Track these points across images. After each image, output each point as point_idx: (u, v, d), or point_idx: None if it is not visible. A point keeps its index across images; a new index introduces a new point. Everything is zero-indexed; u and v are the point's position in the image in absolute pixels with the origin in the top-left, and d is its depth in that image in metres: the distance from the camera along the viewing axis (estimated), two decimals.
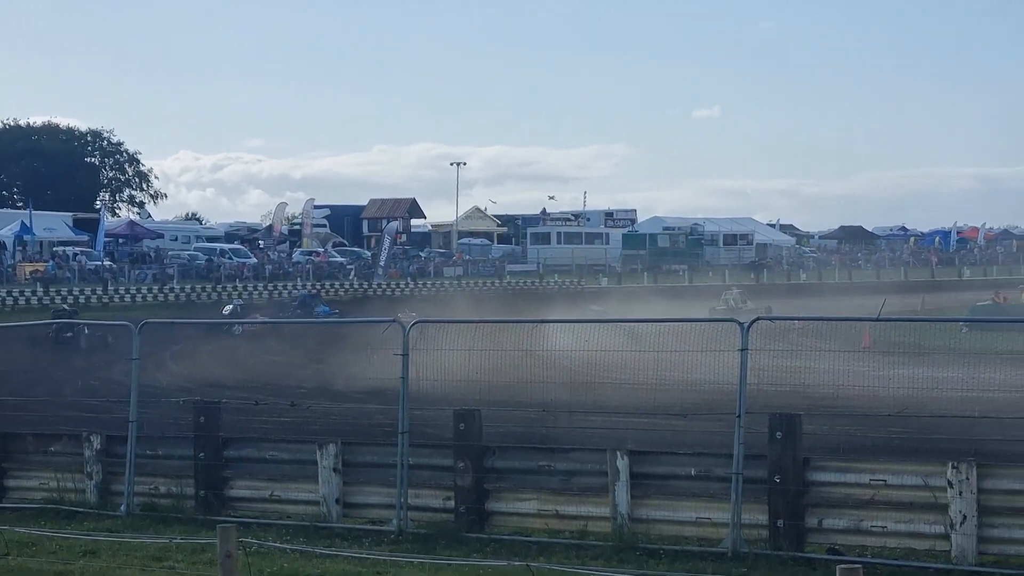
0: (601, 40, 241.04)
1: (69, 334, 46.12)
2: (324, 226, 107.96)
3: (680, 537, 16.86)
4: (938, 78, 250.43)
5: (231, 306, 60.54)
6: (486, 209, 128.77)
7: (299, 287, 72.77)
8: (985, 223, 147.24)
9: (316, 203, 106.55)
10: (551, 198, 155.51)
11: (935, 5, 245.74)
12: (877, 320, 18.31)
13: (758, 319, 17.36)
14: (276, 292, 74.21)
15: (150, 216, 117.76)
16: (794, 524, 16.10)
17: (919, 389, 23.34)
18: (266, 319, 51.05)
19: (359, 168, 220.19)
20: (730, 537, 16.25)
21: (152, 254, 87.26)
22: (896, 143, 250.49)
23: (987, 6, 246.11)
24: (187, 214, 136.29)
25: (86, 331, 46.41)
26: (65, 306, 57.94)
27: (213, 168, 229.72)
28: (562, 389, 21.17)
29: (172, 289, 70.93)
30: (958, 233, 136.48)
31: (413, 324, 18.95)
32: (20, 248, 79.83)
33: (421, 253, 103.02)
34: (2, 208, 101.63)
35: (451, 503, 18.06)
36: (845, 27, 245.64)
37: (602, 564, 16.08)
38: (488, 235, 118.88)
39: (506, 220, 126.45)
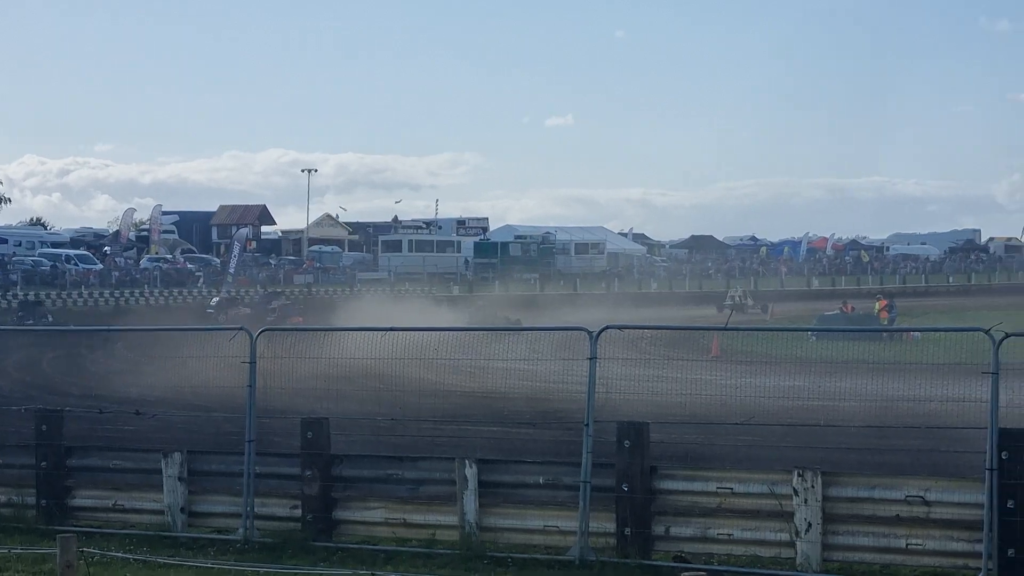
0: (454, 47, 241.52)
1: None
2: (173, 232, 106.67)
3: (528, 545, 16.86)
4: (789, 88, 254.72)
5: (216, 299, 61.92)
6: (337, 216, 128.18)
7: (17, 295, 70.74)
8: (834, 233, 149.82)
9: (164, 209, 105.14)
10: (397, 202, 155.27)
11: (786, 16, 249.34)
12: (725, 329, 18.43)
13: (607, 328, 17.34)
14: (123, 299, 73.16)
15: None
16: (641, 532, 16.17)
17: (767, 398, 23.54)
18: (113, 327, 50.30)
19: (209, 174, 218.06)
20: (577, 545, 16.27)
21: None
22: (747, 153, 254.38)
23: (836, 18, 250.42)
24: (32, 219, 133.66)
25: None
26: None
27: (60, 173, 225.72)
28: (413, 397, 21.06)
29: (16, 295, 69.51)
30: (807, 243, 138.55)
31: (260, 332, 18.74)
32: None
33: (271, 260, 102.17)
34: None
35: (298, 512, 17.90)
36: (698, 37, 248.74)
37: (449, 572, 16.05)
38: (339, 242, 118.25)
39: (357, 227, 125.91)
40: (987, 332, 15.09)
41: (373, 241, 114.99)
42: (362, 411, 20.73)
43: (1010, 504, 14.66)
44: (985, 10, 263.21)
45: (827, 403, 24.96)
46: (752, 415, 19.35)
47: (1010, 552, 14.65)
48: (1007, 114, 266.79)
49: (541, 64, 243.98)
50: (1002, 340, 15.00)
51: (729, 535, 15.92)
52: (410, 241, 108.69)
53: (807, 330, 26.57)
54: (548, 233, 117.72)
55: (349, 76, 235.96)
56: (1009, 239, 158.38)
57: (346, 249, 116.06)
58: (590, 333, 16.84)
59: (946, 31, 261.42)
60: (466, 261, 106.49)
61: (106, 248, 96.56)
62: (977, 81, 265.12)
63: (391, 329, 19.86)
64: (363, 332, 21.72)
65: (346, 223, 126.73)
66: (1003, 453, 14.68)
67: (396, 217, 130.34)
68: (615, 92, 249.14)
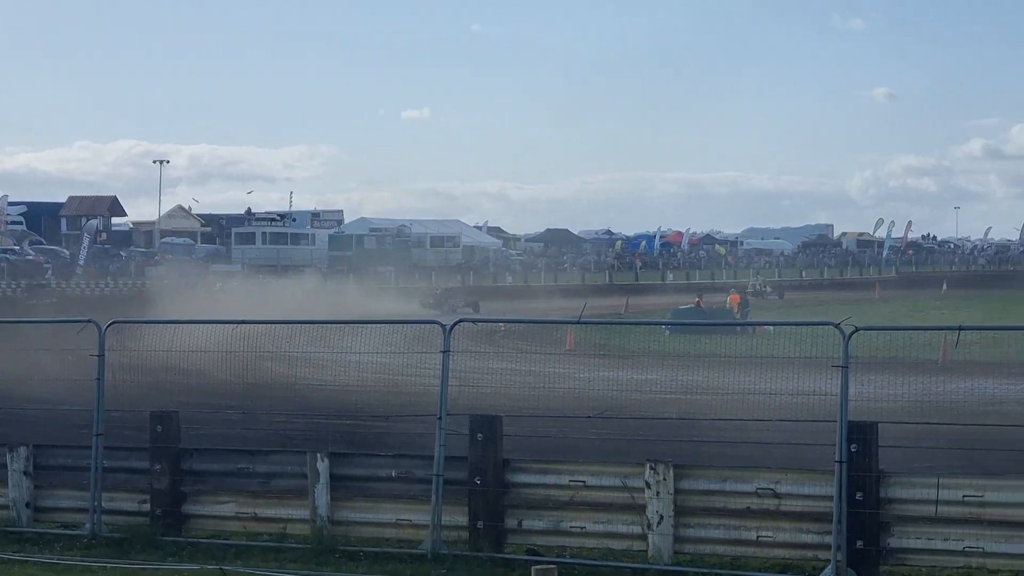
0: (309, 38, 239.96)
1: None
2: (20, 224, 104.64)
3: (380, 539, 16.77)
4: (644, 84, 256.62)
5: None
6: (190, 208, 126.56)
7: None
8: (689, 228, 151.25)
9: (11, 200, 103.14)
10: (249, 193, 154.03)
11: (640, 10, 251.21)
12: (579, 323, 18.44)
13: (460, 321, 17.29)
14: None
15: None
16: (494, 525, 16.13)
17: (621, 391, 23.62)
18: None
19: (59, 165, 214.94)
20: (430, 539, 16.20)
21: None
22: (603, 147, 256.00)
23: (691, 14, 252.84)
24: None
25: None
26: None
27: None
28: (265, 390, 20.86)
29: None
30: (662, 237, 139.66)
31: (109, 325, 18.40)
32: None
33: (122, 252, 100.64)
34: None
35: (147, 506, 17.67)
36: (553, 32, 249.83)
37: (300, 567, 15.90)
38: (192, 234, 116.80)
39: (210, 219, 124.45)
40: (837, 326, 15.25)
41: (226, 233, 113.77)
42: (213, 404, 20.49)
43: (859, 496, 14.82)
44: (839, 8, 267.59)
45: (680, 396, 25.11)
46: (606, 408, 19.40)
47: (859, 543, 14.82)
48: (860, 110, 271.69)
49: (397, 57, 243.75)
50: (852, 334, 15.18)
51: (582, 528, 15.94)
52: (264, 233, 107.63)
53: (661, 324, 26.73)
54: (403, 226, 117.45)
55: (203, 67, 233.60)
56: (861, 234, 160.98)
57: (199, 241, 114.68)
58: (443, 326, 16.76)
59: (802, 28, 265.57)
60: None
61: None
62: (831, 77, 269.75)
63: (242, 322, 19.65)
64: (216, 325, 21.42)
65: (199, 215, 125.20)
66: (852, 446, 14.84)
67: (249, 209, 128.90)
68: (471, 85, 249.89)
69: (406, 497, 16.74)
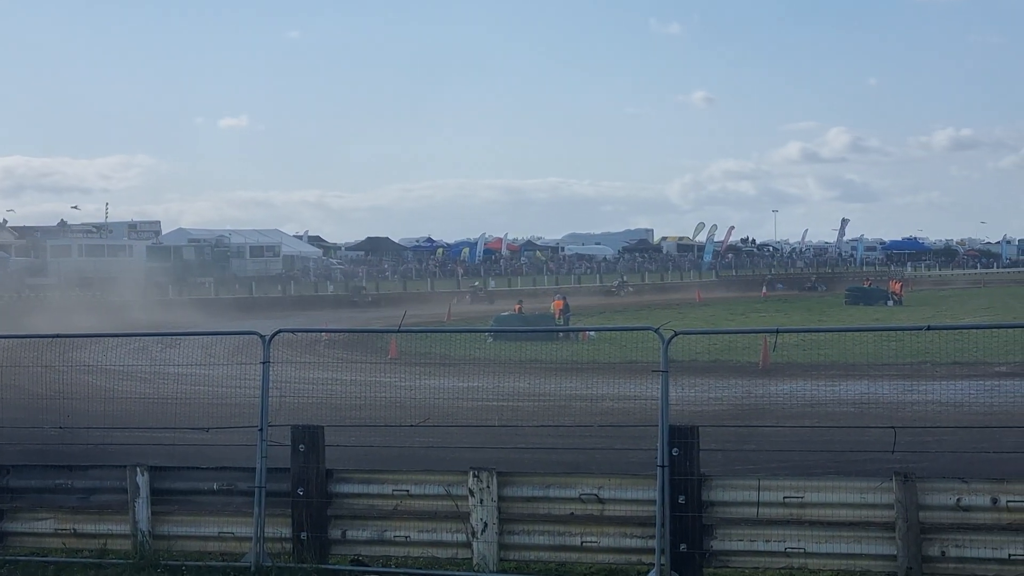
0: (123, 46, 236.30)
1: None
2: None
3: (203, 552, 16.54)
4: (461, 90, 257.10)
5: None
6: (4, 221, 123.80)
7: None
8: (508, 233, 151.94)
9: None
10: (74, 207, 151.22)
11: (452, 20, 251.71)
12: (399, 331, 18.35)
13: (280, 331, 17.09)
14: None
15: None
16: (318, 536, 16.00)
17: (444, 399, 23.62)
18: None
19: None
20: (253, 551, 16.01)
21: None
22: (424, 154, 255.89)
23: (506, 22, 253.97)
24: None
25: None
26: None
27: None
28: (84, 404, 20.43)
29: None
30: (484, 244, 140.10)
31: None
32: None
33: None
34: None
35: None
36: (371, 38, 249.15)
37: None
38: (5, 248, 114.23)
39: (24, 232, 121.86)
40: (657, 331, 15.35)
41: (41, 246, 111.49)
42: (30, 420, 20.02)
43: (681, 500, 14.94)
44: (657, 12, 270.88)
45: (504, 403, 25.17)
46: (428, 416, 19.36)
47: (682, 547, 14.93)
48: (679, 116, 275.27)
49: (214, 64, 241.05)
50: (671, 338, 15.28)
51: (406, 537, 15.86)
52: (80, 246, 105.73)
53: (484, 331, 26.73)
54: (222, 236, 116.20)
55: (15, 76, 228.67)
56: (681, 238, 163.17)
57: (13, 254, 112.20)
58: (263, 337, 16.56)
59: (620, 32, 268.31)
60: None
61: None
62: (650, 82, 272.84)
63: (57, 336, 19.24)
64: (33, 340, 20.99)
65: (12, 228, 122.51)
66: (674, 450, 14.94)
67: (63, 221, 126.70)
68: (290, 93, 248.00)
69: (229, 510, 16.52)
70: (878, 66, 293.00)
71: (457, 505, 15.67)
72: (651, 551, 15.02)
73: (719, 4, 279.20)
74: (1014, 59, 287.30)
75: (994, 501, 14.17)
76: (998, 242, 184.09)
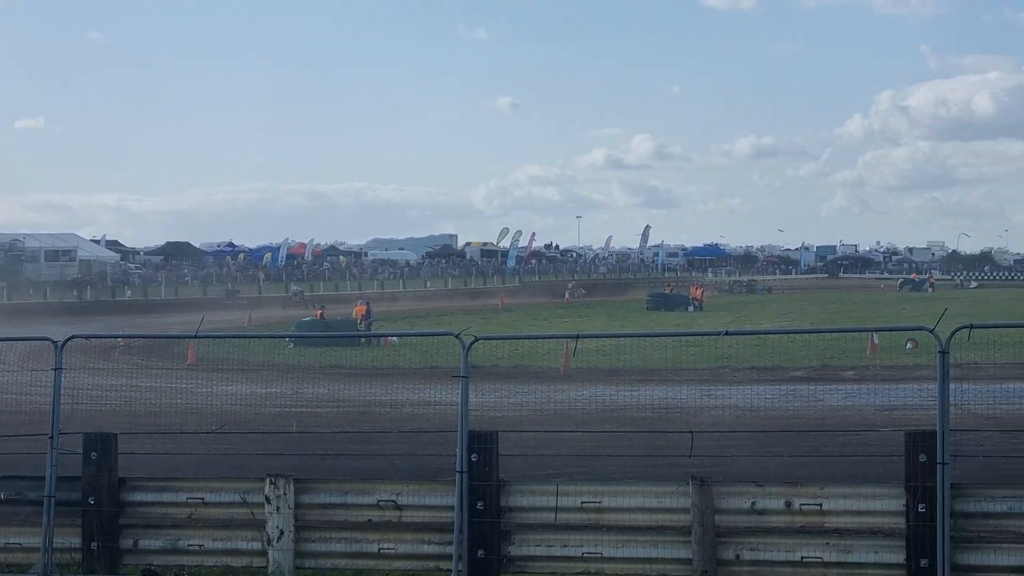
0: None
1: None
2: None
3: None
4: (274, 93, 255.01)
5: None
6: None
7: None
8: (312, 239, 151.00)
9: None
10: None
11: (253, 20, 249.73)
12: (196, 337, 18.03)
13: (72, 337, 16.62)
14: None
15: None
16: (108, 546, 15.64)
17: (243, 405, 23.31)
18: None
19: None
20: (40, 562, 15.56)
21: None
22: (226, 158, 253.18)
23: (310, 24, 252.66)
24: None
25: None
26: None
27: None
28: None
29: None
30: (287, 249, 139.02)
31: None
32: None
33: None
34: None
35: None
36: (173, 38, 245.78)
37: None
38: None
39: None
40: (458, 336, 15.27)
41: None
42: None
43: (480, 505, 14.87)
44: (464, 17, 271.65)
45: (304, 409, 24.95)
46: (226, 423, 19.08)
47: (480, 553, 14.85)
48: (485, 120, 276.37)
49: (9, 64, 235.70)
50: (472, 344, 15.22)
51: (200, 546, 15.58)
52: None
53: (284, 336, 26.48)
54: (16, 240, 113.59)
55: None
56: (485, 244, 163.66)
57: None
58: (55, 343, 16.11)
59: (427, 36, 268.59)
60: None
61: None
62: (456, 87, 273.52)
63: None
64: None
65: None
66: (473, 455, 14.88)
67: None
68: (89, 95, 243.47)
69: (16, 520, 16.05)
70: (681, 74, 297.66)
71: (253, 513, 15.43)
72: (449, 557, 14.92)
73: (526, 10, 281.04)
74: (814, 68, 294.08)
75: (788, 504, 14.34)
76: (797, 249, 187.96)
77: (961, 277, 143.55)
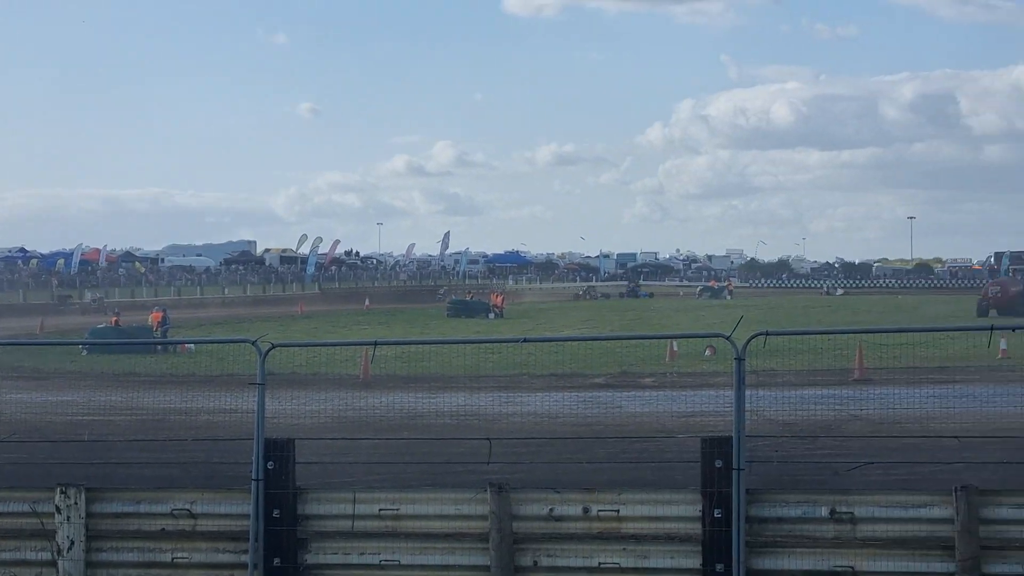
0: None
1: None
2: None
3: None
4: (56, 94, 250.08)
5: None
6: None
7: None
8: (107, 244, 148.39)
9: None
10: None
11: (51, 18, 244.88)
12: None
13: None
14: None
15: None
16: None
17: (34, 413, 22.77)
18: None
19: None
20: None
21: None
22: (14, 163, 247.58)
23: (109, 23, 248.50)
24: None
25: None
26: None
27: None
28: None
29: None
30: (81, 255, 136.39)
31: None
32: None
33: None
34: None
35: None
36: None
37: None
38: None
39: None
40: (254, 343, 15.07)
41: None
42: None
43: (276, 513, 14.70)
44: (263, 21, 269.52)
45: (98, 417, 24.44)
46: (16, 431, 18.62)
47: (276, 561, 14.70)
48: (285, 126, 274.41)
49: None
50: (268, 351, 15.03)
51: None
52: None
53: (78, 343, 25.93)
54: None
55: None
56: (284, 250, 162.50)
57: None
58: None
59: (226, 40, 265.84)
60: None
61: None
62: (256, 92, 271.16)
63: None
64: None
65: None
66: (269, 463, 14.70)
67: None
68: None
69: None
70: (483, 81, 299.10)
71: (43, 523, 15.06)
72: (245, 566, 14.73)
73: (327, 15, 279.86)
74: (616, 76, 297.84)
75: (585, 511, 14.40)
76: (597, 256, 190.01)
77: (828, 285, 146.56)
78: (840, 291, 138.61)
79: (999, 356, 37.04)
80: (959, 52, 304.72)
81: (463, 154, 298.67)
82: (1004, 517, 13.46)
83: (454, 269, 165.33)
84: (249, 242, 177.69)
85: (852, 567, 13.72)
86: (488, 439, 15.23)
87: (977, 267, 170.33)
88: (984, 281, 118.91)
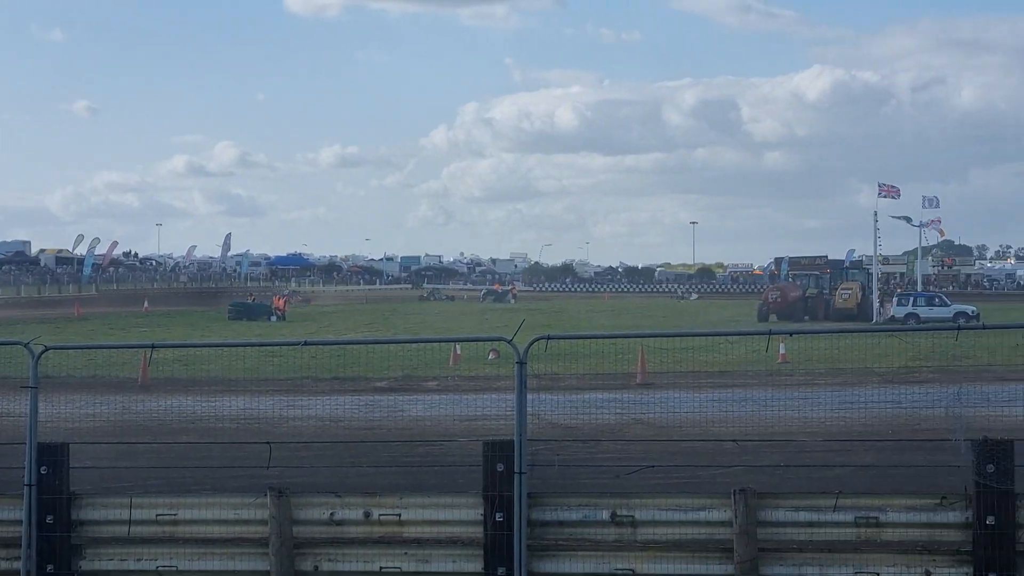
0: None
1: None
2: None
3: None
4: None
5: None
6: None
7: None
8: None
9: None
10: None
11: None
12: None
13: None
14: None
15: None
16: None
17: None
18: None
19: None
20: None
21: None
22: None
23: None
24: None
25: None
26: None
27: None
28: None
29: None
30: None
31: None
32: None
33: None
34: None
35: None
36: None
37: None
38: None
39: None
40: (27, 345, 14.68)
41: None
42: None
43: (50, 519, 14.41)
44: (39, 17, 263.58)
45: None
46: None
47: (49, 568, 14.43)
48: (61, 124, 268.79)
49: None
50: (42, 353, 14.67)
51: None
52: None
53: None
54: None
55: None
56: (60, 251, 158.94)
57: None
58: None
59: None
60: None
61: None
62: (30, 89, 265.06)
63: None
64: None
65: None
66: (43, 468, 14.36)
67: None
68: None
69: None
70: (266, 81, 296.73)
71: None
72: (17, 572, 14.36)
73: (105, 12, 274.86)
74: (400, 78, 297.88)
75: (367, 515, 14.32)
76: (381, 259, 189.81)
77: (683, 289, 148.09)
78: (695, 296, 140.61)
79: (779, 360, 37.84)
80: (741, 59, 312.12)
81: (245, 154, 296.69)
82: (781, 520, 13.70)
83: (235, 271, 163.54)
84: (23, 242, 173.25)
85: (633, 570, 13.85)
86: (268, 443, 15.06)
87: (758, 272, 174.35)
88: (764, 286, 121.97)
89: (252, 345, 25.33)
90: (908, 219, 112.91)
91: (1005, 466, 13.10)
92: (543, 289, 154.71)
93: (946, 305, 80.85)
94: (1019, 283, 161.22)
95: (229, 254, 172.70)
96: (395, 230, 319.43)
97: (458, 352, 42.79)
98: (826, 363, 34.12)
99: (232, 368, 24.51)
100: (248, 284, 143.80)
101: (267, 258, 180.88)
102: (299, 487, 14.94)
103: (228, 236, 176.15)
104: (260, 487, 14.56)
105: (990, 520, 13.13)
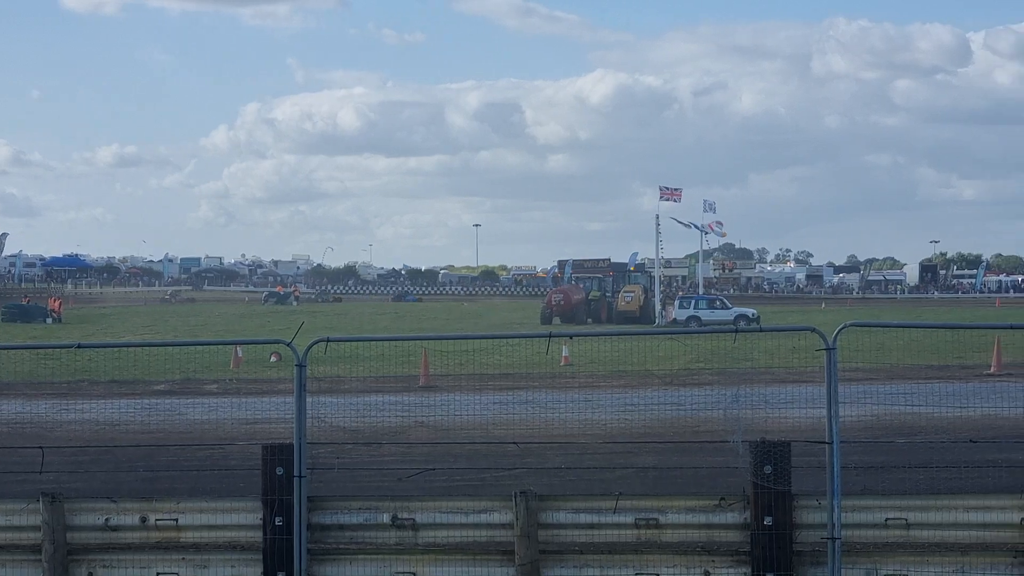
0: None
1: None
2: None
3: None
4: None
5: None
6: None
7: None
8: None
9: None
10: None
11: None
12: None
13: None
14: None
15: None
16: None
17: None
18: None
19: None
20: None
21: None
22: None
23: None
24: None
25: None
26: None
27: None
28: None
29: None
30: None
31: None
32: None
33: None
34: None
35: None
36: None
37: None
38: None
39: None
40: None
41: None
42: None
43: None
44: None
45: None
46: None
47: None
48: None
49: None
50: None
51: None
52: None
53: None
54: None
55: None
56: None
57: None
58: None
59: None
60: None
61: None
62: None
63: None
64: None
65: None
66: None
67: None
68: None
69: None
70: (41, 78, 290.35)
71: None
72: None
73: None
74: (180, 77, 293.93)
75: (143, 520, 14.08)
76: (160, 260, 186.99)
77: (402, 290, 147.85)
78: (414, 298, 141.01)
79: (561, 363, 38.18)
80: (524, 62, 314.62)
81: (19, 153, 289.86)
82: (562, 521, 13.79)
83: (9, 272, 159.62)
84: None
85: (414, 573, 13.81)
86: (41, 448, 14.70)
87: (542, 275, 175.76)
88: (548, 289, 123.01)
89: (26, 348, 24.78)
90: (688, 224, 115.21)
91: (782, 467, 13.35)
92: (326, 291, 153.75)
93: (727, 308, 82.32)
94: (798, 286, 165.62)
95: (3, 255, 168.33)
96: (175, 231, 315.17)
97: (240, 355, 42.34)
98: (608, 365, 34.54)
99: (6, 371, 23.90)
100: (23, 285, 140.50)
101: (42, 259, 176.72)
102: (74, 492, 14.62)
103: (3, 236, 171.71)
104: (32, 492, 14.21)
105: (768, 520, 13.37)
